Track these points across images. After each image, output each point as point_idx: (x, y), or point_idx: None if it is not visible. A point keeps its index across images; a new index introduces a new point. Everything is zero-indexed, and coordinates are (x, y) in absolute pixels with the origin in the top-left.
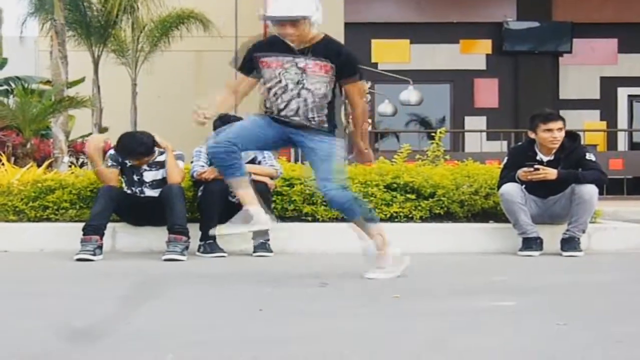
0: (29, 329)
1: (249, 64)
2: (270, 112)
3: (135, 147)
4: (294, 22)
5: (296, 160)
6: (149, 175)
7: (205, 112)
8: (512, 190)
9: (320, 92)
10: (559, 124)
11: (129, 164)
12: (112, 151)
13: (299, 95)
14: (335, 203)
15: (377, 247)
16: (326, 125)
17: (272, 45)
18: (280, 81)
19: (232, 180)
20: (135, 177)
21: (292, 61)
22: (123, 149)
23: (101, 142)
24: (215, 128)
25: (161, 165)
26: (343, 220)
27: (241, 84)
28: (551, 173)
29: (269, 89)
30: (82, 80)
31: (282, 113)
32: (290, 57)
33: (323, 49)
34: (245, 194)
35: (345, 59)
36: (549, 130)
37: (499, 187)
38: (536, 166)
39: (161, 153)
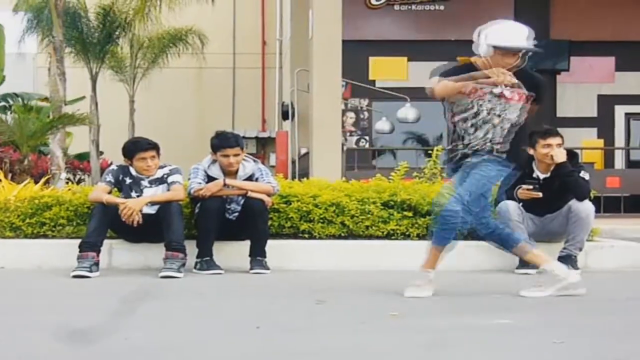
0: (27, 342)
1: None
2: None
3: (144, 141)
4: (524, 54)
5: (293, 177)
6: (149, 193)
7: None
8: (509, 208)
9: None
10: (558, 139)
11: (128, 180)
12: (114, 166)
13: (490, 121)
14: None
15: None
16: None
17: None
18: (477, 112)
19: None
20: (134, 195)
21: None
22: (132, 144)
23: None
24: (212, 146)
25: (161, 181)
26: (339, 238)
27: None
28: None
29: (465, 119)
30: (81, 98)
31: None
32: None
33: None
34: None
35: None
36: (548, 145)
37: (496, 204)
38: (529, 188)
39: (161, 167)
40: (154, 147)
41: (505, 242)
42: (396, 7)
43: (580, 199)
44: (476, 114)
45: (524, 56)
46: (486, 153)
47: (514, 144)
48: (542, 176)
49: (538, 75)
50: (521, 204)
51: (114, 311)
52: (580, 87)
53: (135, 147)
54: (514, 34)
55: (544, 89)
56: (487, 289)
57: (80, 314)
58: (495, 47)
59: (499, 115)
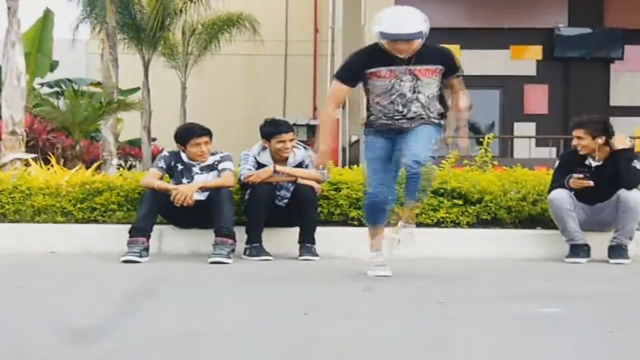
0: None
1: (354, 77)
2: (384, 118)
3: (197, 127)
4: (409, 40)
5: (344, 165)
6: (200, 179)
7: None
8: (561, 197)
9: (432, 93)
10: (579, 132)
11: (180, 167)
12: (165, 152)
13: (417, 99)
14: (417, 181)
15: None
16: (436, 118)
17: (376, 57)
18: (395, 89)
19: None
20: (185, 181)
21: (403, 70)
22: (186, 130)
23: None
24: (262, 133)
25: (212, 168)
26: (389, 225)
27: (344, 96)
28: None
29: (383, 98)
30: (136, 89)
31: (403, 115)
32: (402, 67)
33: (425, 55)
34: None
35: (447, 59)
36: (575, 135)
37: (549, 192)
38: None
39: (212, 154)
40: (207, 133)
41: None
42: None
43: (629, 187)
44: (401, 95)
45: (414, 42)
46: (421, 118)
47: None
48: (594, 164)
49: (442, 47)
50: (573, 192)
51: (162, 296)
52: (635, 75)
53: (189, 133)
54: (391, 21)
55: (451, 59)
56: (537, 278)
57: (128, 297)
58: (381, 37)
59: (419, 92)
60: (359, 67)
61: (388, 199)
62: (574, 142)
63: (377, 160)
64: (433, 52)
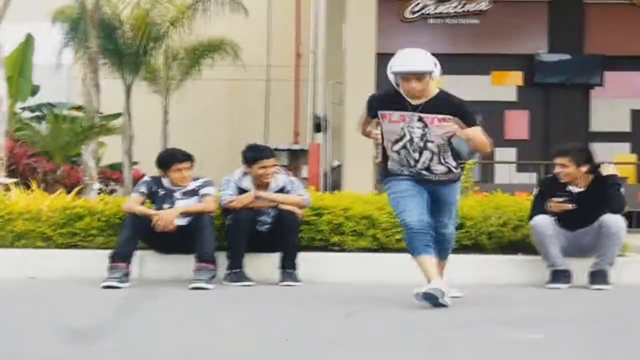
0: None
1: (374, 113)
2: (403, 169)
3: (179, 152)
4: (419, 76)
5: (325, 190)
6: (181, 204)
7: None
8: (543, 223)
9: (443, 145)
10: (563, 160)
11: (161, 192)
12: (147, 178)
13: (426, 148)
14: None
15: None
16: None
17: (391, 100)
18: (406, 135)
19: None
20: (167, 206)
21: (413, 116)
22: (168, 156)
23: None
24: (244, 158)
25: (193, 193)
26: (370, 250)
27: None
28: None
29: (394, 143)
30: (118, 115)
31: (425, 167)
32: (412, 113)
33: (436, 103)
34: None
35: (458, 110)
36: (559, 163)
37: (530, 217)
38: (559, 200)
39: (195, 179)
40: (189, 158)
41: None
42: (430, 21)
43: (615, 211)
44: (411, 140)
45: (424, 80)
46: (446, 174)
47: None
48: (576, 190)
49: (455, 98)
50: (555, 218)
51: (142, 322)
52: (614, 102)
53: (171, 159)
54: (402, 57)
55: (462, 111)
56: (518, 304)
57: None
58: (393, 74)
59: (428, 140)
60: (375, 106)
61: (428, 223)
62: (557, 169)
63: (405, 192)
64: (444, 101)
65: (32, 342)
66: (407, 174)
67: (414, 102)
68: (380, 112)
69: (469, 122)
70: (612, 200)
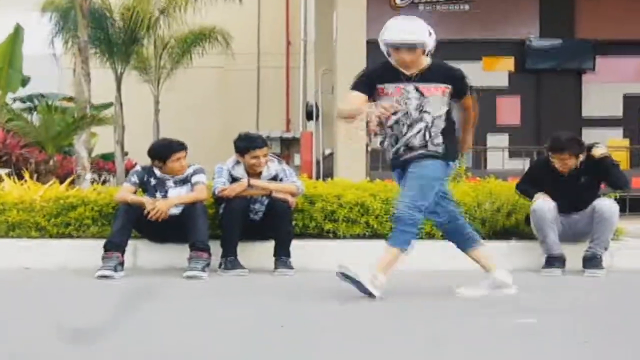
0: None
1: (368, 89)
2: (391, 149)
3: (175, 142)
4: (410, 47)
5: (317, 178)
6: (174, 193)
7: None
8: (545, 208)
9: (439, 115)
10: (564, 155)
11: (153, 181)
12: (138, 167)
13: (422, 120)
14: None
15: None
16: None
17: (385, 72)
18: (402, 107)
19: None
20: (159, 195)
21: (410, 87)
22: (164, 147)
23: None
24: (236, 148)
25: (185, 181)
26: (364, 237)
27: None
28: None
29: (389, 117)
30: (109, 105)
31: (406, 145)
32: (408, 84)
33: (432, 73)
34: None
35: (455, 79)
36: (557, 159)
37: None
38: None
39: (188, 166)
40: (184, 146)
41: (460, 238)
42: (420, 7)
43: (622, 186)
44: (406, 114)
45: (416, 52)
46: (420, 148)
47: (445, 136)
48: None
49: (454, 67)
50: (558, 203)
51: (136, 311)
52: (606, 86)
53: (169, 150)
54: (394, 28)
55: (461, 80)
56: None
57: (100, 313)
58: (384, 44)
59: (425, 111)
60: (372, 80)
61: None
62: (558, 165)
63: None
64: (441, 70)
65: (28, 337)
66: (392, 157)
67: (407, 72)
68: (378, 86)
69: (463, 90)
70: (616, 178)
